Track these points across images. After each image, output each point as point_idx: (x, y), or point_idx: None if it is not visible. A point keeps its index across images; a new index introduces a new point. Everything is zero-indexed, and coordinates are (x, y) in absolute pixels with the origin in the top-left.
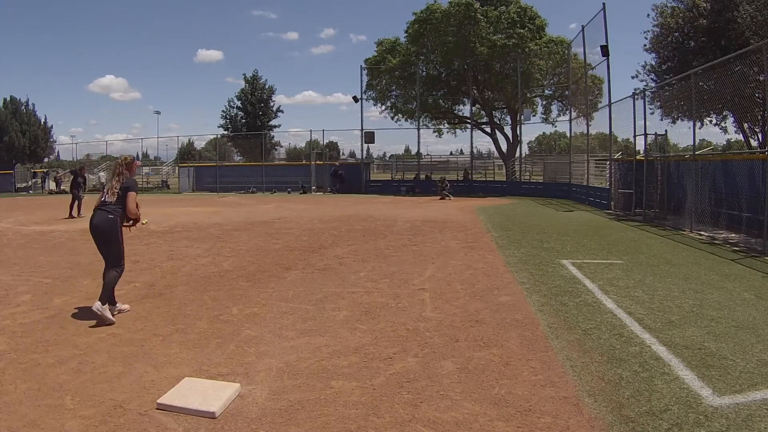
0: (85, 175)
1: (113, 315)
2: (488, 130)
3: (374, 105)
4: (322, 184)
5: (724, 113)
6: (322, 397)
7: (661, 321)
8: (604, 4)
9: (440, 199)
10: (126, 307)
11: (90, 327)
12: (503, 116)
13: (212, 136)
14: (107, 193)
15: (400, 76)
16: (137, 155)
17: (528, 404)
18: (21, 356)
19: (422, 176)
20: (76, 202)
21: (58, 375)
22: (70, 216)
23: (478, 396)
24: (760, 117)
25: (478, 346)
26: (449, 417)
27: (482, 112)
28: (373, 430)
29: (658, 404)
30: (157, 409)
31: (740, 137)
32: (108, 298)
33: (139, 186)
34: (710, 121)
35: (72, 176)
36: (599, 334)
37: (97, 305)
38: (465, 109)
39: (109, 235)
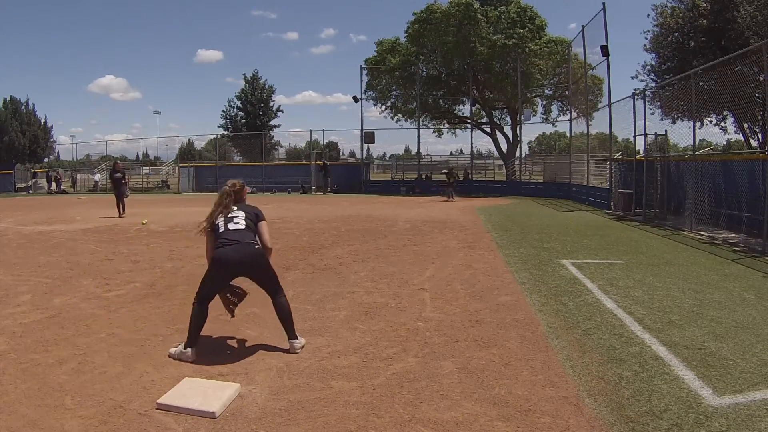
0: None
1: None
2: (488, 130)
3: (374, 105)
4: (321, 184)
5: (724, 113)
6: (322, 397)
7: (661, 321)
8: (604, 4)
9: (445, 200)
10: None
11: (90, 327)
12: (503, 116)
13: (212, 136)
14: (228, 225)
15: (400, 76)
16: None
17: (528, 404)
18: (21, 356)
19: (423, 176)
20: (122, 201)
21: (58, 375)
22: (120, 216)
23: (478, 396)
24: (760, 117)
25: (478, 346)
26: (449, 417)
27: (482, 112)
28: (373, 430)
29: (658, 404)
30: (157, 409)
31: (740, 137)
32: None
33: (139, 186)
34: (710, 121)
35: (114, 175)
36: (599, 334)
37: (297, 343)
38: (465, 109)
39: (263, 265)
